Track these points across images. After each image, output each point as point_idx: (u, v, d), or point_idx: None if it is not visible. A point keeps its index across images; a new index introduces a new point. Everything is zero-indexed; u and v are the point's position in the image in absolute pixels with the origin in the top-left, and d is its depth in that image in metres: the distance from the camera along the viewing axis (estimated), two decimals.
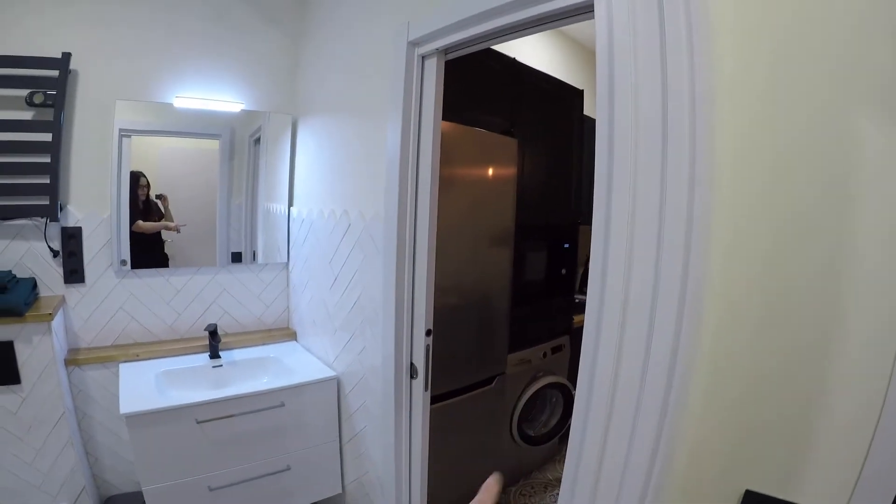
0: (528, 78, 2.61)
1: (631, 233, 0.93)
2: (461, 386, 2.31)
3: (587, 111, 3.02)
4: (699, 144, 0.84)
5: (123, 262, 2.28)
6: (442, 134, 1.70)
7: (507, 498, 2.92)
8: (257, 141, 2.56)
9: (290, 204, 2.66)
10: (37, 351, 1.92)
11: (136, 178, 2.28)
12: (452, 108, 1.77)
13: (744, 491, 0.98)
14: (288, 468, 2.20)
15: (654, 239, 0.89)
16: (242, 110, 2.47)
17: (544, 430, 2.91)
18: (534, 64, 2.66)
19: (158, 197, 2.35)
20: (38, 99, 1.97)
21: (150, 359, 2.35)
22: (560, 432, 2.94)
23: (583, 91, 2.95)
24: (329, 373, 2.24)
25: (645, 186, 0.90)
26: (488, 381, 2.45)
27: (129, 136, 2.24)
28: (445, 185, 1.76)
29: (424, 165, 1.69)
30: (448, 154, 1.78)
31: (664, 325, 0.89)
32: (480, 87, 2.34)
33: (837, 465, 0.88)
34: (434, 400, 2.05)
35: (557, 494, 2.83)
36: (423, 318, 1.73)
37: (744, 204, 0.89)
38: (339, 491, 2.42)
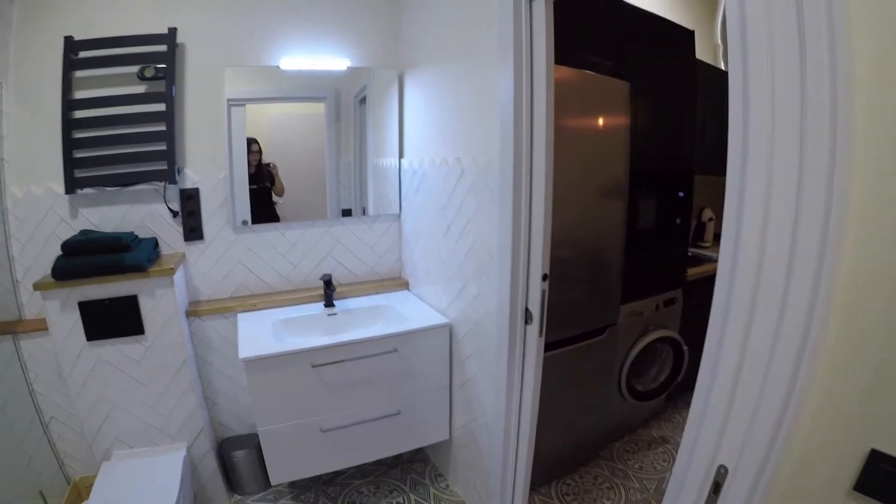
0: (635, 18, 2.48)
1: (768, 191, 0.86)
2: (573, 335, 2.30)
3: (699, 54, 2.85)
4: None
5: (244, 223, 2.43)
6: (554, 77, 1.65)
7: (610, 453, 2.90)
8: (362, 101, 2.60)
9: (401, 156, 2.68)
10: (159, 303, 2.09)
11: (249, 144, 2.39)
12: (561, 50, 1.71)
13: (869, 449, 0.93)
14: (398, 413, 2.28)
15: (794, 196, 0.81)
16: (348, 68, 2.49)
17: (653, 386, 2.85)
18: (641, 3, 2.53)
19: (268, 165, 2.46)
20: (148, 73, 2.12)
21: (267, 308, 2.49)
22: (668, 389, 2.87)
23: (693, 32, 2.78)
24: (442, 319, 2.28)
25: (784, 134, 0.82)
26: (600, 332, 2.42)
27: (242, 105, 2.34)
28: (557, 133, 1.72)
29: (539, 109, 1.64)
30: (559, 98, 1.73)
31: (801, 282, 0.82)
32: (589, 29, 2.25)
33: None
34: (546, 348, 2.05)
35: (662, 452, 2.79)
36: (539, 262, 1.72)
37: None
38: (447, 437, 2.48)
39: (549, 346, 2.12)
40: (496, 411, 2.02)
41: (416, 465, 2.81)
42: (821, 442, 0.99)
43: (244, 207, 2.42)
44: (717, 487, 0.98)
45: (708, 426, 0.98)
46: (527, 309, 1.79)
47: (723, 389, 0.95)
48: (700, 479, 1.01)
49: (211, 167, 2.33)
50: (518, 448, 2.08)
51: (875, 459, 0.92)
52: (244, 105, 2.34)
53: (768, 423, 0.88)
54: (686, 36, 2.75)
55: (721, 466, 0.97)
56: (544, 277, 1.73)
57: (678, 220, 2.78)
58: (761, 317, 0.87)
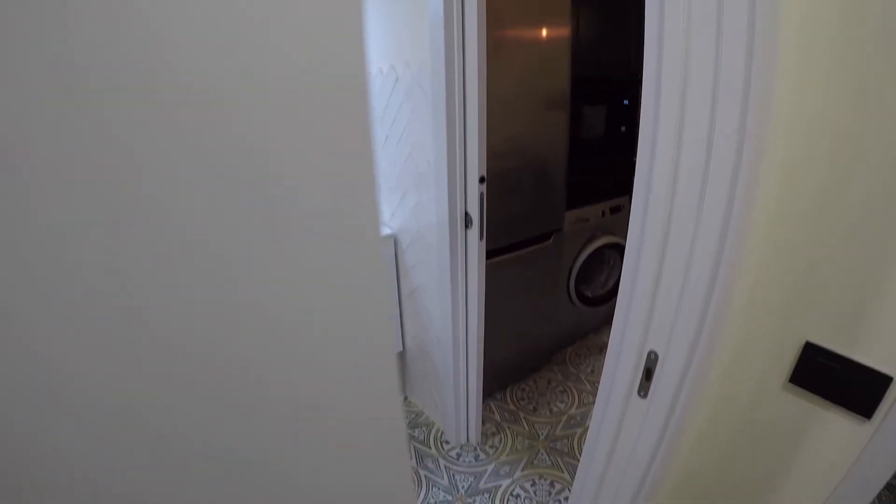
0: None
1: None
2: (517, 240, 2.31)
3: None
4: None
5: None
6: None
7: (563, 358, 3.01)
8: None
9: None
10: None
11: None
12: None
13: (804, 342, 0.98)
14: None
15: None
16: None
17: (601, 292, 2.93)
18: None
19: None
20: None
21: None
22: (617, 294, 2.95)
23: None
24: (385, 231, 2.27)
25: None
26: (545, 237, 2.44)
27: None
28: (497, 44, 1.67)
29: (470, 9, 1.59)
30: (497, 8, 1.68)
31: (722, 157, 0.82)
32: None
33: None
34: (491, 255, 2.07)
35: None
36: (475, 166, 1.70)
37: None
38: (400, 349, 2.53)
39: (494, 253, 2.15)
40: (444, 319, 2.05)
41: None
42: (755, 335, 1.03)
43: None
44: (648, 373, 1.01)
45: (635, 311, 1.00)
46: (466, 213, 1.79)
47: (648, 274, 0.95)
48: (632, 364, 1.04)
49: None
50: (468, 354, 2.13)
51: (809, 352, 0.97)
52: None
53: (695, 309, 0.89)
54: None
55: (651, 352, 0.99)
56: (482, 180, 1.72)
57: (623, 128, 2.78)
58: (681, 199, 0.87)
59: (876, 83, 0.77)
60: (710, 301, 0.86)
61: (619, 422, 1.10)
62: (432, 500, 2.20)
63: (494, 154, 1.87)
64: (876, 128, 0.78)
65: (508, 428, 2.54)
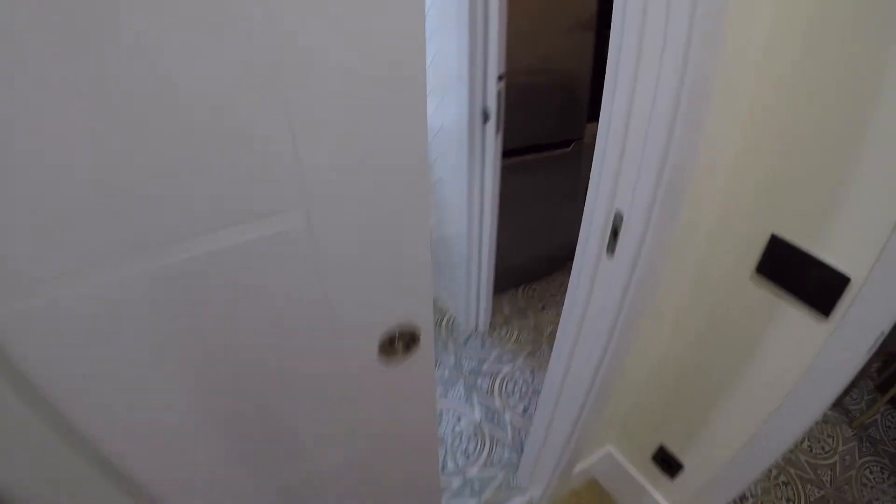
0: None
1: None
2: (536, 143, 2.43)
3: None
4: None
5: None
6: None
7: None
8: None
9: None
10: None
11: None
12: None
13: (769, 234, 1.07)
14: None
15: None
16: None
17: None
18: None
19: None
20: None
21: None
22: None
23: None
24: None
25: None
26: (565, 144, 2.55)
27: None
28: None
29: None
30: None
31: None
32: None
33: (869, 225, 0.90)
34: (510, 154, 2.20)
35: None
36: (495, 64, 1.82)
37: None
38: None
39: (513, 153, 2.28)
40: (460, 210, 2.23)
41: None
42: (729, 224, 1.15)
43: None
44: (615, 232, 1.12)
45: (605, 173, 1.10)
46: (485, 108, 1.92)
47: (615, 138, 1.05)
48: (601, 224, 1.15)
49: None
50: (482, 245, 2.31)
51: (774, 244, 1.07)
52: None
53: (651, 170, 0.98)
54: None
55: (618, 212, 1.09)
56: (500, 78, 1.84)
57: None
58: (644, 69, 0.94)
59: None
60: (665, 163, 0.95)
61: (592, 280, 1.24)
62: (438, 376, 2.45)
63: (520, 65, 1.99)
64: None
65: (517, 321, 2.76)
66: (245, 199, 0.56)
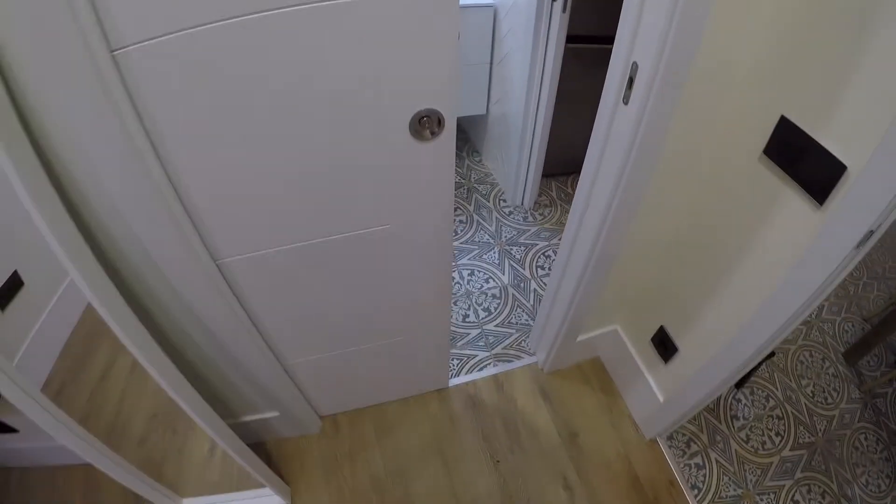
0: None
1: None
2: (603, 34, 2.41)
3: None
4: None
5: None
6: None
7: None
8: None
9: None
10: None
11: None
12: None
13: (780, 115, 1.10)
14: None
15: None
16: None
17: None
18: None
19: None
20: None
21: None
22: None
23: None
24: (487, 1, 2.45)
25: None
26: None
27: None
28: None
29: None
30: None
31: None
32: None
33: (870, 117, 0.92)
34: (575, 39, 2.25)
35: None
36: None
37: None
38: (484, 112, 2.88)
39: (579, 39, 2.32)
40: (522, 83, 2.34)
41: (457, 141, 3.30)
42: (747, 107, 1.19)
43: None
44: (630, 82, 1.17)
45: (626, 25, 1.13)
46: None
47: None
48: (619, 74, 1.20)
49: None
50: (536, 122, 2.42)
51: (782, 126, 1.09)
52: None
53: (662, 20, 1.01)
54: None
55: (634, 62, 1.15)
56: None
57: None
58: None
59: None
60: (673, 14, 0.99)
61: (607, 132, 1.32)
62: (477, 239, 2.68)
63: None
64: None
65: (560, 205, 2.92)
66: None
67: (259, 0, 0.74)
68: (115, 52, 0.72)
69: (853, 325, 2.57)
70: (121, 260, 1.02)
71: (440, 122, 1.03)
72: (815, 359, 2.35)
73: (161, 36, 0.73)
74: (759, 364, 1.36)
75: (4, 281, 1.03)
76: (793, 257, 1.13)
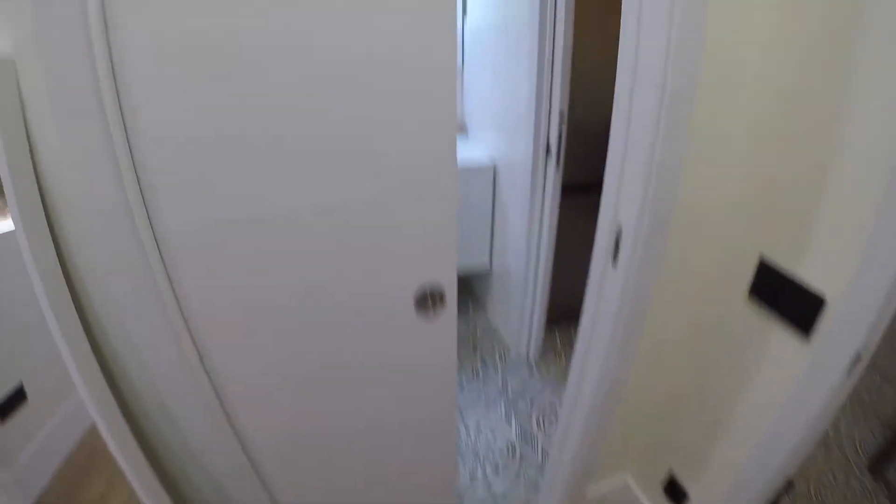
0: None
1: None
2: (596, 181, 2.57)
3: None
4: None
5: None
6: None
7: None
8: None
9: (464, 13, 2.90)
10: None
11: None
12: None
13: (758, 257, 1.17)
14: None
15: None
16: None
17: None
18: None
19: None
20: None
21: None
22: None
23: None
24: (487, 162, 2.65)
25: None
26: None
27: None
28: (590, 20, 2.03)
29: None
30: None
31: None
32: None
33: (842, 248, 0.97)
34: (570, 190, 2.38)
35: None
36: (557, 104, 2.03)
37: None
38: (487, 265, 2.94)
39: (574, 189, 2.42)
40: (520, 238, 2.44)
41: (461, 296, 3.34)
42: (718, 248, 1.26)
43: None
44: (617, 244, 1.25)
45: (609, 189, 1.25)
46: (548, 144, 2.15)
47: (616, 155, 1.19)
48: (607, 237, 1.29)
49: None
50: (538, 274, 2.48)
51: (763, 267, 1.15)
52: None
53: (640, 185, 1.12)
54: None
55: (619, 225, 1.23)
56: (562, 117, 2.07)
57: None
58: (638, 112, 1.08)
59: None
60: (649, 182, 1.10)
61: (599, 292, 1.37)
62: (483, 395, 2.62)
63: (581, 106, 2.20)
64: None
65: (566, 354, 2.87)
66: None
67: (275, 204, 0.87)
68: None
69: (873, 434, 2.40)
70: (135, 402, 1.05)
71: (442, 297, 1.08)
72: (839, 479, 2.18)
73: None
74: (778, 498, 1.29)
75: (9, 393, 1.04)
76: (787, 391, 1.12)
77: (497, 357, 2.86)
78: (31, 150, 0.77)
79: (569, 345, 2.95)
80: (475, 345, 2.98)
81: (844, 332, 0.96)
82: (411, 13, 0.83)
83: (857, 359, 0.95)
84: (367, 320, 1.11)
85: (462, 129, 3.19)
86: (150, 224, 0.85)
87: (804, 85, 1.01)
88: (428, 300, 1.10)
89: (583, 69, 2.11)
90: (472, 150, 2.86)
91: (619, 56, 1.12)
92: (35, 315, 0.86)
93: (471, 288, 3.47)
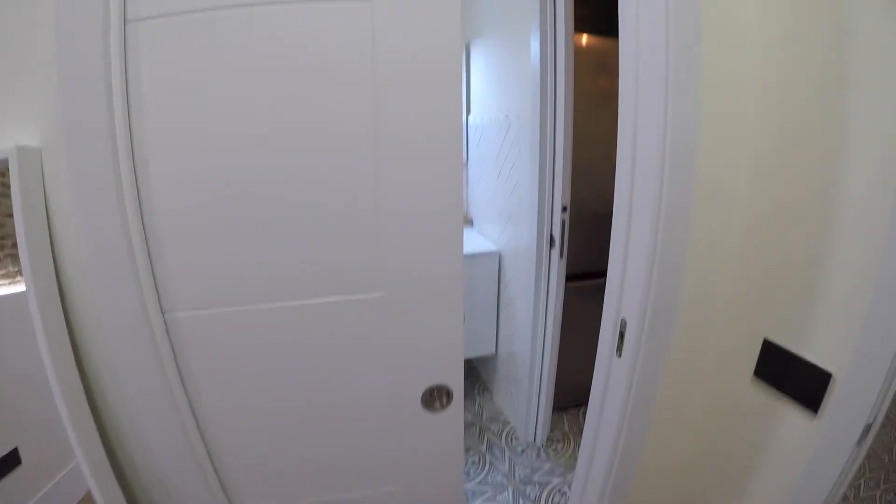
0: None
1: None
2: (598, 270, 2.64)
3: None
4: None
5: None
6: (579, 44, 2.11)
7: None
8: None
9: (468, 112, 3.12)
10: None
11: None
12: (595, 20, 2.16)
13: (762, 339, 1.20)
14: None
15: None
16: None
17: None
18: None
19: None
20: None
21: None
22: None
23: None
24: (493, 248, 2.76)
25: None
26: None
27: None
28: (588, 95, 2.16)
29: (560, 69, 2.04)
30: (590, 64, 2.19)
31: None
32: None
33: (844, 324, 1.00)
34: (574, 277, 2.48)
35: None
36: (560, 196, 2.16)
37: None
38: (493, 352, 2.99)
39: (578, 276, 2.53)
40: (525, 326, 2.51)
41: (467, 380, 3.36)
42: (722, 333, 1.30)
43: None
44: (622, 336, 1.31)
45: (613, 283, 1.33)
46: (551, 235, 2.25)
47: (619, 249, 1.29)
48: (611, 328, 1.36)
49: None
50: (544, 360, 2.53)
51: (767, 347, 1.18)
52: None
53: (641, 282, 1.21)
54: None
55: (622, 319, 1.31)
56: (564, 209, 2.19)
57: None
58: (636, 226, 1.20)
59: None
60: (651, 278, 1.19)
61: (606, 381, 1.43)
62: (490, 480, 2.60)
63: (582, 197, 2.32)
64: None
65: (573, 438, 2.87)
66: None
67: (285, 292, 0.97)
68: None
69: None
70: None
71: (449, 394, 1.16)
72: None
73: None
74: None
75: (2, 455, 1.07)
76: (799, 468, 1.13)
77: (504, 442, 2.86)
78: (49, 230, 0.87)
79: (576, 430, 2.95)
80: (481, 428, 2.97)
81: (853, 405, 0.98)
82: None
83: (866, 429, 0.97)
84: (376, 418, 1.18)
85: (468, 221, 3.34)
86: (163, 313, 0.94)
87: (797, 189, 1.10)
88: (435, 398, 1.17)
89: (583, 159, 2.25)
90: (477, 239, 2.98)
91: (616, 168, 1.24)
92: (34, 379, 0.90)
93: (475, 372, 3.50)
